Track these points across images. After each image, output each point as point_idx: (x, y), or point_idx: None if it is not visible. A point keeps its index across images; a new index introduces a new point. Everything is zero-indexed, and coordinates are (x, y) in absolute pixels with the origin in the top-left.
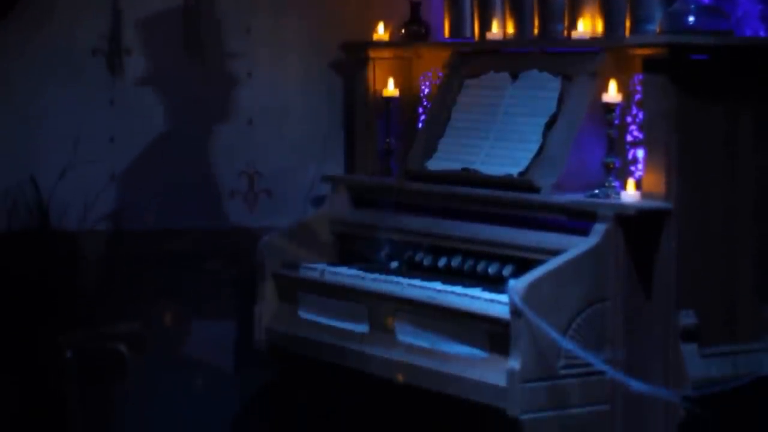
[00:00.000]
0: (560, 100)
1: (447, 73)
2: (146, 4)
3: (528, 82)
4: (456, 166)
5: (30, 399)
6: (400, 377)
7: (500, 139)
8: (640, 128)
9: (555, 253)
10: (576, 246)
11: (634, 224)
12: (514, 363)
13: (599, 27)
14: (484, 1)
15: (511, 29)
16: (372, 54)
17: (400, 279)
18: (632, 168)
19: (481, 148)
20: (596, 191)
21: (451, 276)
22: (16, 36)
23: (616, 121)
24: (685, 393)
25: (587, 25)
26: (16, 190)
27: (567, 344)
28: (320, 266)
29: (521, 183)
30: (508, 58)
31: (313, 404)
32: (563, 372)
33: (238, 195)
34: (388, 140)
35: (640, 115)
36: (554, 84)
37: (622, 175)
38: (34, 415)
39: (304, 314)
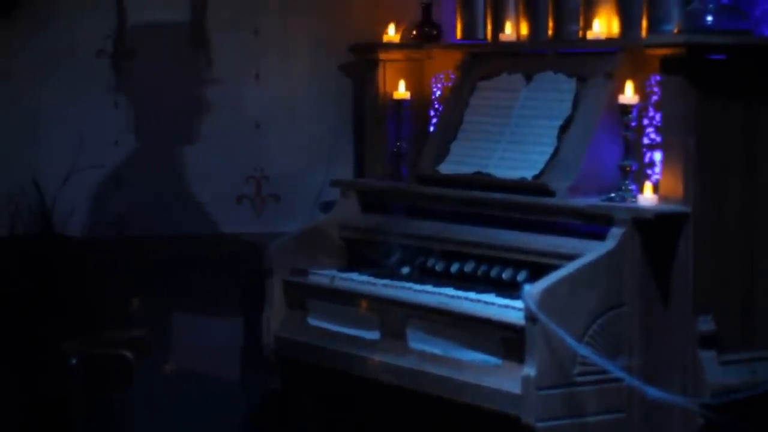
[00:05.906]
0: (575, 102)
1: (459, 75)
2: (152, 5)
3: (542, 84)
4: (468, 169)
5: (34, 406)
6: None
7: (514, 142)
8: (658, 130)
9: (570, 257)
10: (592, 250)
11: (651, 228)
12: (530, 370)
13: (615, 27)
14: (497, 1)
15: (524, 30)
16: (382, 56)
17: (412, 285)
18: (649, 171)
19: (495, 151)
20: (612, 195)
21: (463, 282)
22: (19, 36)
23: (633, 123)
24: (704, 400)
25: (603, 26)
26: (19, 193)
27: (583, 350)
28: (330, 272)
29: (536, 186)
30: (522, 59)
31: (321, 413)
32: (579, 379)
33: (245, 199)
34: (398, 143)
35: (657, 117)
36: (569, 86)
37: (639, 179)
38: (39, 423)
39: (313, 321)
